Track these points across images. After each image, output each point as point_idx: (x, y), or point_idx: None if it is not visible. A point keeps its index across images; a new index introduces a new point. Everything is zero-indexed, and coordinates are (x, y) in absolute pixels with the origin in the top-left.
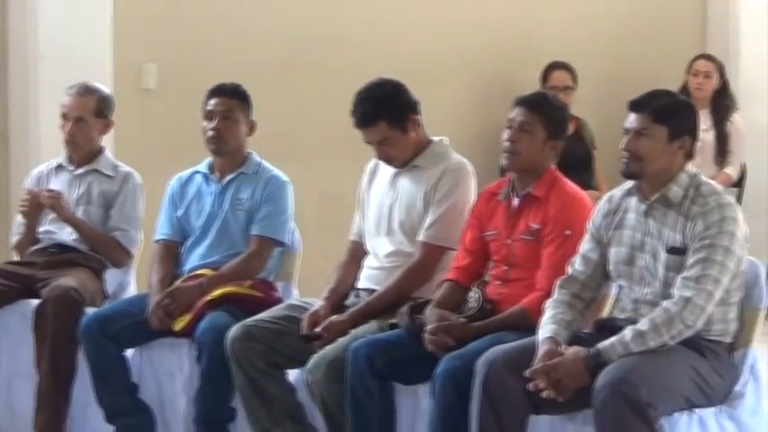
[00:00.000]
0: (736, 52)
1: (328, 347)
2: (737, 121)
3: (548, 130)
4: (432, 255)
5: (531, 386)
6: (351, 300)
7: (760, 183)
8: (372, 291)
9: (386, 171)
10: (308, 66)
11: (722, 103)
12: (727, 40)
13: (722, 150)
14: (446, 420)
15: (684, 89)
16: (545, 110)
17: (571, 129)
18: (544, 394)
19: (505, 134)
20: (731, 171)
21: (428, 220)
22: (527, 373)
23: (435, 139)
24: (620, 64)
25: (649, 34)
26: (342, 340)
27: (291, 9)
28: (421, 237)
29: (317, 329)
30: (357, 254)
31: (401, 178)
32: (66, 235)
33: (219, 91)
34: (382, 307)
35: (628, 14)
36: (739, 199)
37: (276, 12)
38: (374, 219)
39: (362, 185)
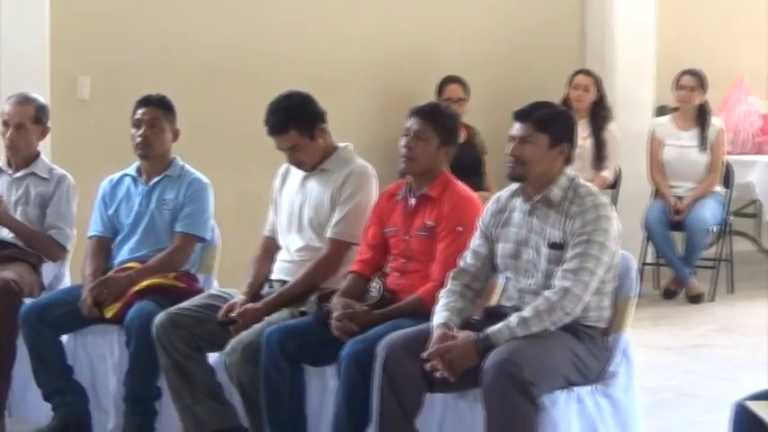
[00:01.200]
0: (612, 67)
1: (244, 333)
2: (613, 129)
3: (440, 138)
4: (338, 249)
5: (427, 366)
6: (265, 290)
7: (634, 184)
8: (285, 282)
9: (296, 174)
10: (227, 75)
11: (599, 113)
12: (604, 56)
13: (599, 156)
14: (350, 398)
15: (565, 101)
16: (438, 119)
17: (463, 136)
18: (438, 374)
19: (402, 141)
20: (608, 174)
21: (335, 218)
22: (423, 355)
23: (341, 145)
24: (508, 78)
25: (534, 51)
26: (256, 326)
27: (213, 24)
28: (328, 233)
29: (233, 315)
30: (270, 248)
31: (310, 181)
32: (6, 233)
33: (146, 101)
34: (293, 296)
35: (515, 33)
36: (615, 199)
37: (199, 27)
38: (286, 217)
39: (275, 187)
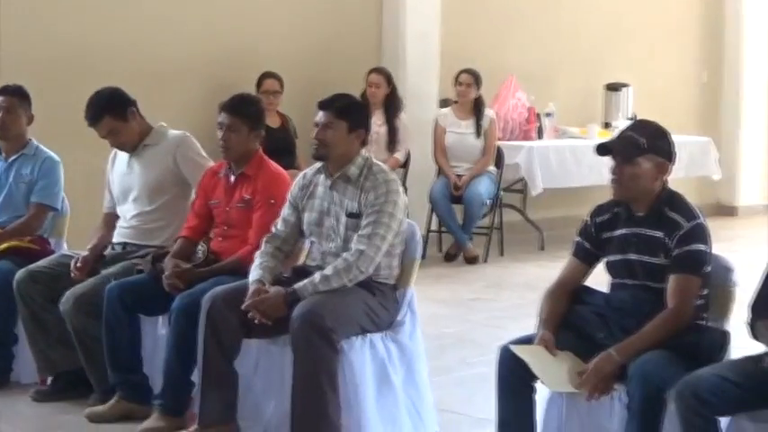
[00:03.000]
0: (404, 65)
1: (78, 285)
2: (404, 118)
3: (248, 125)
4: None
5: (250, 314)
6: (108, 251)
7: (421, 165)
8: (125, 244)
9: (122, 156)
10: (79, 69)
11: (392, 104)
12: (397, 56)
13: (392, 140)
14: (179, 343)
15: (363, 94)
16: (243, 110)
17: (279, 122)
18: (255, 322)
19: (219, 134)
20: (399, 156)
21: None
22: (243, 307)
23: (155, 125)
24: (316, 73)
25: (338, 51)
26: (90, 280)
27: (68, 26)
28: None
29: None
30: (109, 221)
31: (135, 159)
32: None
33: (4, 90)
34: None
35: (322, 35)
36: (405, 177)
37: (56, 27)
38: (120, 191)
39: (107, 169)
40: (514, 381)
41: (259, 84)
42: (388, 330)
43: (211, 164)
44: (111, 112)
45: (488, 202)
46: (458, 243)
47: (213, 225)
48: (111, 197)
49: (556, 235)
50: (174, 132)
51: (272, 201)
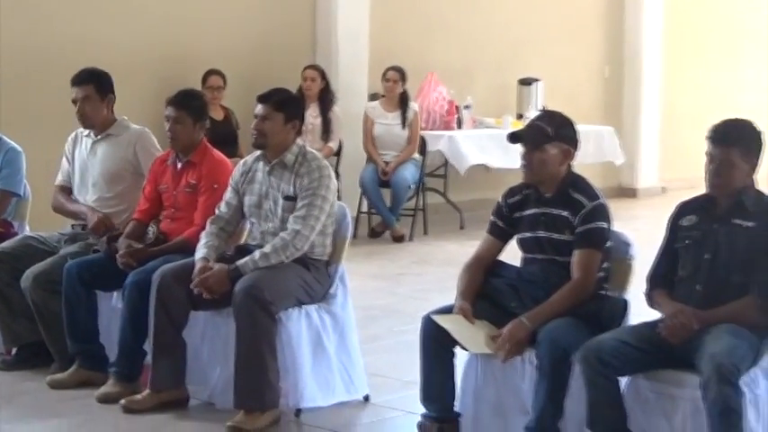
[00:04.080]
0: (336, 62)
1: (38, 264)
2: (337, 110)
3: (193, 117)
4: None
5: (196, 289)
6: (67, 230)
7: (353, 153)
8: (84, 225)
9: (86, 141)
10: (43, 67)
11: (326, 98)
12: (330, 54)
13: (326, 131)
14: (132, 316)
15: (300, 88)
16: (187, 103)
17: (222, 115)
18: (204, 296)
19: (167, 127)
20: (333, 145)
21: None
22: (191, 286)
23: (119, 117)
24: (256, 70)
25: (276, 49)
26: (48, 259)
27: (37, 26)
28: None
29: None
30: (67, 193)
31: (99, 145)
32: None
33: None
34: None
35: (261, 35)
36: (338, 164)
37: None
38: (79, 176)
39: (67, 146)
40: (436, 347)
41: (204, 80)
42: (322, 302)
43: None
44: (98, 84)
45: (413, 186)
46: (386, 223)
47: (162, 208)
48: (68, 173)
49: (474, 215)
50: (135, 126)
51: (216, 185)
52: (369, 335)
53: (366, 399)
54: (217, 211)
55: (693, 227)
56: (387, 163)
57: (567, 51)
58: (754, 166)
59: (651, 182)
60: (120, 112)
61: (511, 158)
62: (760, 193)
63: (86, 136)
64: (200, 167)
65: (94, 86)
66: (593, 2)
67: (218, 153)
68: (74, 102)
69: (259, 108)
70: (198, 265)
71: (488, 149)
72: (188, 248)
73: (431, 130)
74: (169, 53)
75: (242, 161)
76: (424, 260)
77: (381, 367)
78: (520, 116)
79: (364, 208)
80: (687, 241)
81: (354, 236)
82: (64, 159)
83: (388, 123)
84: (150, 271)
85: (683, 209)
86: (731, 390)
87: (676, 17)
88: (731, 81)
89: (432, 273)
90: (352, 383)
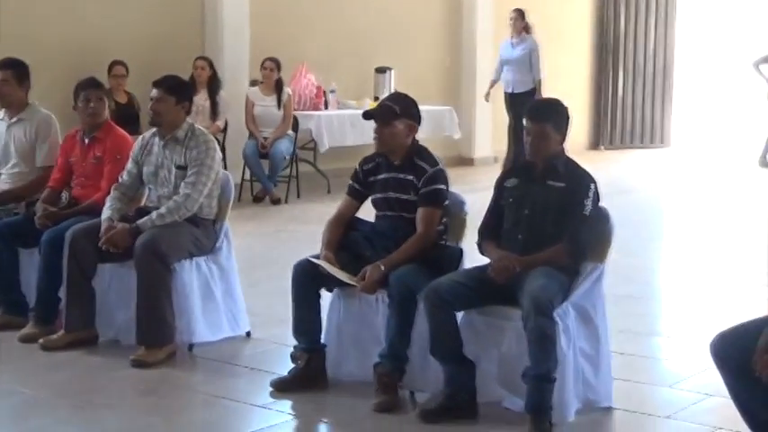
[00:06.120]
0: (222, 53)
1: None
2: (223, 94)
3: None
4: (47, 171)
5: (103, 246)
6: None
7: (237, 130)
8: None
9: (2, 124)
10: None
11: (213, 83)
12: (217, 45)
13: (214, 112)
14: (48, 268)
15: (192, 76)
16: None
17: (126, 99)
18: (110, 251)
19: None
20: (220, 124)
21: (39, 151)
22: (99, 244)
23: (30, 101)
24: (155, 60)
25: (172, 41)
26: None
27: None
28: (38, 163)
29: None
30: None
31: (13, 126)
32: None
33: None
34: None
35: (158, 29)
36: (224, 139)
37: None
38: (1, 152)
39: None
40: (305, 289)
41: (109, 69)
42: (210, 254)
43: (59, 143)
44: (17, 71)
45: (288, 157)
46: (265, 189)
47: (73, 177)
48: None
49: (339, 181)
50: (43, 111)
51: (119, 157)
52: (250, 281)
53: (248, 334)
54: (120, 179)
55: (515, 187)
56: (265, 138)
57: (415, 45)
58: (563, 136)
59: (485, 152)
60: (35, 97)
61: (367, 135)
62: (568, 159)
63: (1, 119)
64: (104, 142)
65: (12, 72)
66: (438, 4)
67: (120, 130)
68: None
69: (154, 92)
70: (104, 225)
71: (347, 128)
72: (95, 211)
73: (302, 110)
74: (79, 47)
75: (140, 137)
76: (297, 219)
77: (260, 308)
78: (376, 98)
79: (247, 176)
80: (510, 199)
81: (239, 200)
82: None
83: (266, 105)
84: (63, 230)
85: (507, 173)
86: (546, 320)
87: (504, 16)
88: (552, 67)
89: (304, 230)
90: (236, 322)
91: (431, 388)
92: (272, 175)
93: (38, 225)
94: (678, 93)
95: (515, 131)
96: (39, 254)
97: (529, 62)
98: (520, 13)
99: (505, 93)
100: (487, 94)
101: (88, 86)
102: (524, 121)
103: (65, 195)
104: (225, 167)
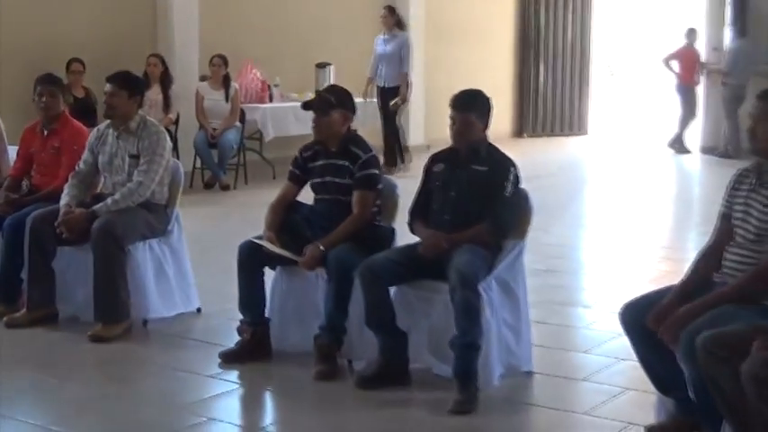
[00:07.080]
0: (174, 50)
1: None
2: (174, 89)
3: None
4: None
5: (61, 231)
6: None
7: (188, 122)
8: None
9: None
10: None
11: (166, 78)
12: (168, 43)
13: (166, 105)
14: (10, 252)
15: (145, 72)
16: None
17: (83, 93)
18: (65, 235)
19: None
20: (172, 116)
21: None
22: (56, 223)
23: None
24: (111, 57)
25: (125, 39)
26: None
27: None
28: None
29: None
30: None
31: None
32: None
33: None
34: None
35: (113, 28)
36: (176, 131)
37: None
38: None
39: None
40: (249, 267)
41: (67, 66)
42: (162, 237)
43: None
44: None
45: (235, 146)
46: (215, 176)
47: (33, 167)
48: None
49: (284, 168)
50: None
51: (76, 147)
52: (201, 261)
53: (199, 310)
54: (77, 168)
55: (442, 172)
56: (215, 129)
57: (351, 42)
58: (486, 124)
59: (419, 140)
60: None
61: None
62: (490, 145)
63: None
64: (62, 134)
65: None
66: (371, 4)
67: (76, 122)
68: None
69: (108, 87)
70: (62, 210)
71: (290, 119)
72: (54, 197)
73: (248, 103)
74: (39, 45)
75: (96, 128)
76: (244, 204)
77: (210, 285)
78: (317, 92)
79: (198, 165)
80: (437, 183)
81: (191, 186)
82: None
83: (214, 99)
84: (25, 215)
85: (435, 158)
86: (472, 293)
87: (435, 12)
88: (478, 61)
89: (250, 213)
90: (187, 298)
91: (367, 357)
92: (221, 164)
93: (0, 211)
94: (595, 84)
95: (384, 125)
96: (1, 238)
97: (399, 57)
98: (390, 10)
99: (377, 87)
100: (365, 93)
101: (43, 82)
102: (450, 111)
103: (25, 183)
104: (177, 156)
